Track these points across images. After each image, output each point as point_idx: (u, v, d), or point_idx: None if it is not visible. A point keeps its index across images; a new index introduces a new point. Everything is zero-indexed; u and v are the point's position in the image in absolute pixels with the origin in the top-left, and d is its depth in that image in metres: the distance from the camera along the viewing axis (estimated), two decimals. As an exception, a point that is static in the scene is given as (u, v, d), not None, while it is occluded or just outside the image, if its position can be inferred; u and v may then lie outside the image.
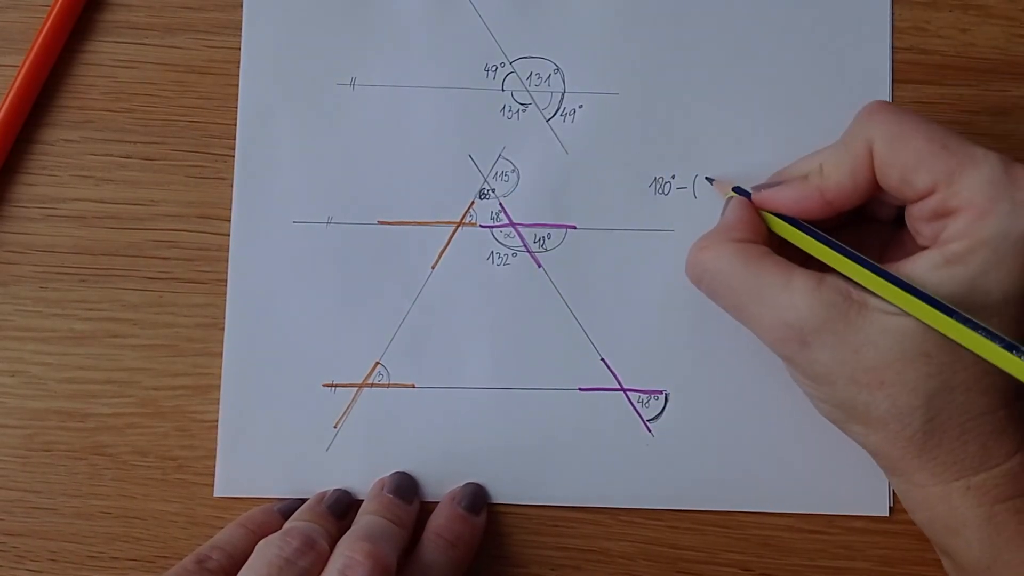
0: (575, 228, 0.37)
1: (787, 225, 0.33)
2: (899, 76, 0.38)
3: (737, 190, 0.34)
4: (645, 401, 0.36)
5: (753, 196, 0.33)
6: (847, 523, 0.36)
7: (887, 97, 0.37)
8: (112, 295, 0.37)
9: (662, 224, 0.37)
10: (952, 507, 0.30)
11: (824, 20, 0.38)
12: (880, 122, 0.31)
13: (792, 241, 0.33)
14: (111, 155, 0.37)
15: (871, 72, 0.37)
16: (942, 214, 0.30)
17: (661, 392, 0.36)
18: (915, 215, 0.31)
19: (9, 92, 0.37)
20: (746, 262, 0.31)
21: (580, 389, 0.36)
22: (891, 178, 0.30)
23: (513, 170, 0.37)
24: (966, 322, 0.28)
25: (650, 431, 0.36)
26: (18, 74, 0.37)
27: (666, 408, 0.36)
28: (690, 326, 0.36)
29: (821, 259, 0.31)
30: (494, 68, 0.37)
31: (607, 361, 0.36)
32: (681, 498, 0.36)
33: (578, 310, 0.37)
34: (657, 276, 0.37)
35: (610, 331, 0.37)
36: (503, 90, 0.37)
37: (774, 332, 0.31)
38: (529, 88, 0.37)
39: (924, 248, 0.31)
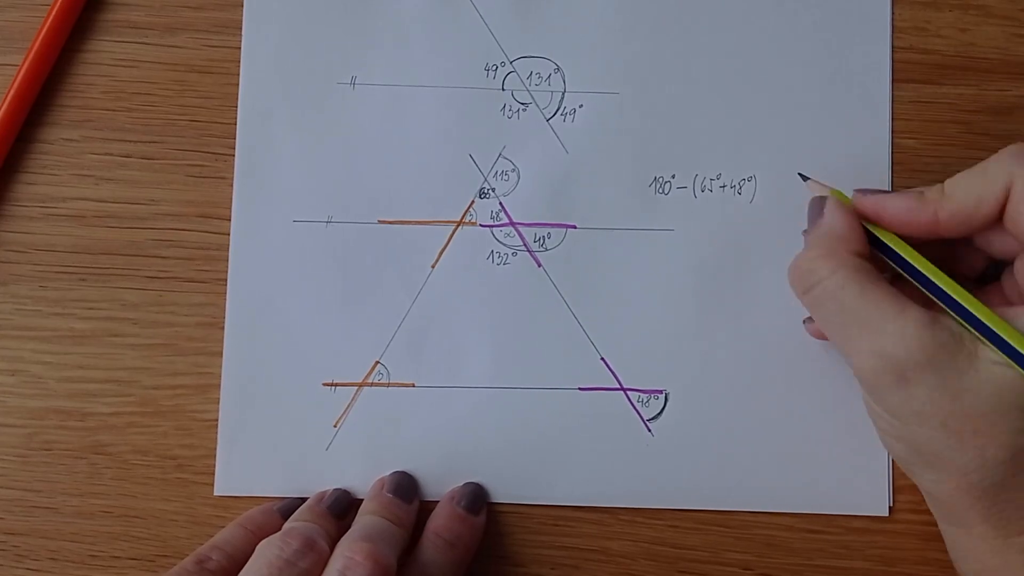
0: (575, 228, 0.37)
1: (898, 239, 0.31)
2: (899, 76, 0.38)
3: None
4: (645, 401, 0.36)
5: (856, 199, 0.32)
6: (847, 523, 0.36)
7: (887, 97, 0.37)
8: (112, 294, 0.37)
9: (662, 224, 0.37)
10: (1006, 561, 0.29)
11: (824, 20, 0.38)
12: None
13: (904, 258, 0.31)
14: (111, 154, 0.37)
15: (871, 72, 0.37)
16: None
17: (661, 392, 0.36)
18: None
19: (9, 92, 0.37)
20: (863, 282, 0.30)
21: (580, 389, 0.36)
22: (1022, 222, 0.30)
23: (513, 169, 0.37)
24: None
25: (650, 431, 0.36)
26: (18, 74, 0.37)
27: (666, 408, 0.36)
28: (690, 326, 0.36)
29: (939, 285, 0.30)
30: (494, 67, 0.37)
31: (607, 361, 0.36)
32: (681, 497, 0.36)
33: (578, 310, 0.37)
34: (657, 276, 0.37)
35: (610, 331, 0.37)
36: (503, 89, 0.37)
37: (873, 361, 0.29)
38: (529, 88, 0.37)
39: None
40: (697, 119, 0.37)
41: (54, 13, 0.37)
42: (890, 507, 0.36)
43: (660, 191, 0.37)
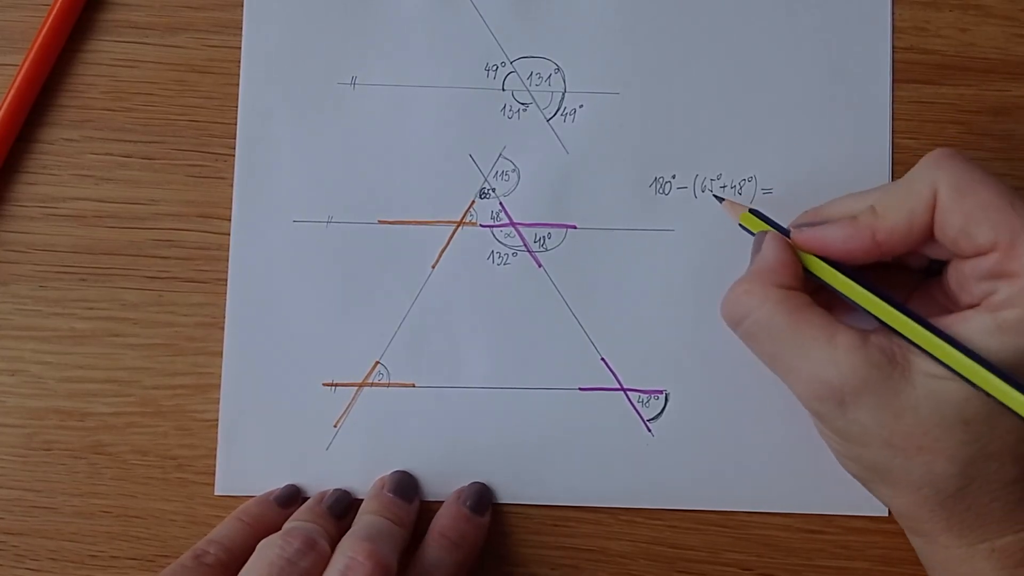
0: (575, 228, 0.37)
1: (830, 269, 0.31)
2: (899, 76, 0.38)
3: (755, 213, 0.34)
4: (645, 401, 0.36)
5: (794, 235, 0.32)
6: (846, 523, 0.36)
7: (887, 97, 0.37)
8: (112, 294, 0.37)
9: (662, 224, 0.37)
10: (975, 568, 0.29)
11: (824, 21, 0.38)
12: (949, 168, 0.29)
13: (835, 287, 0.31)
14: (111, 154, 0.37)
15: (871, 72, 0.37)
16: (996, 275, 0.29)
17: (661, 392, 0.36)
18: (967, 272, 0.30)
19: (9, 92, 0.37)
20: (790, 312, 0.30)
21: (580, 389, 0.36)
22: (951, 227, 0.29)
23: (513, 170, 0.37)
24: None
25: (650, 431, 0.36)
26: (18, 74, 0.37)
27: (666, 408, 0.36)
28: (690, 326, 0.37)
29: (869, 310, 0.30)
30: (494, 68, 0.37)
31: (607, 361, 0.36)
32: (681, 498, 0.36)
33: (578, 310, 0.37)
34: (657, 276, 0.37)
35: (610, 331, 0.37)
36: (504, 90, 0.37)
37: (811, 388, 0.30)
38: (530, 88, 0.37)
39: (964, 305, 0.30)
40: (697, 119, 0.37)
41: (54, 13, 0.37)
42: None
43: (660, 191, 0.37)
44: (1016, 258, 0.28)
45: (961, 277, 0.31)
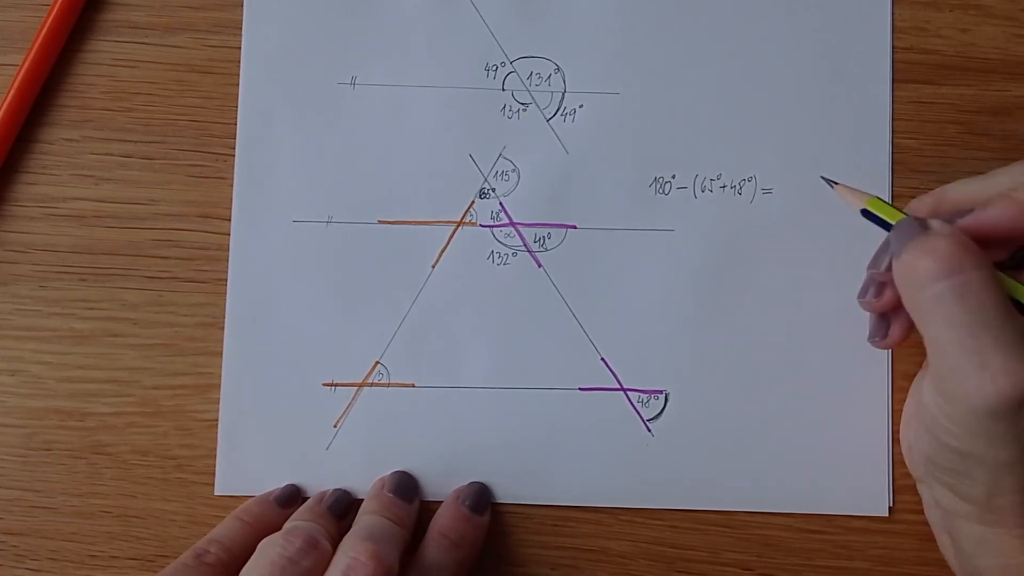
0: (575, 228, 0.37)
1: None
2: (899, 76, 0.38)
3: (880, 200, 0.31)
4: (645, 401, 0.36)
5: (960, 223, 0.29)
6: (847, 523, 0.36)
7: (887, 97, 0.37)
8: (112, 294, 0.37)
9: (662, 224, 0.37)
10: None
11: (824, 21, 0.38)
12: None
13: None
14: (111, 154, 0.37)
15: (871, 72, 0.37)
16: None
17: (661, 392, 0.36)
18: None
19: (9, 92, 0.37)
20: (1001, 292, 0.27)
21: (580, 389, 0.36)
22: None
23: (513, 170, 0.37)
24: None
25: (650, 431, 0.36)
26: (18, 74, 0.37)
27: (666, 408, 0.36)
28: (690, 326, 0.37)
29: None
30: (494, 68, 0.37)
31: (607, 361, 0.36)
32: (681, 498, 0.36)
33: (578, 310, 0.37)
34: (657, 276, 0.37)
35: (610, 331, 0.37)
36: (503, 90, 0.37)
37: (997, 384, 0.26)
38: (530, 88, 0.37)
39: None
40: (697, 119, 0.37)
41: (54, 13, 0.37)
42: (890, 507, 0.36)
43: (660, 191, 0.37)
44: None
45: None
